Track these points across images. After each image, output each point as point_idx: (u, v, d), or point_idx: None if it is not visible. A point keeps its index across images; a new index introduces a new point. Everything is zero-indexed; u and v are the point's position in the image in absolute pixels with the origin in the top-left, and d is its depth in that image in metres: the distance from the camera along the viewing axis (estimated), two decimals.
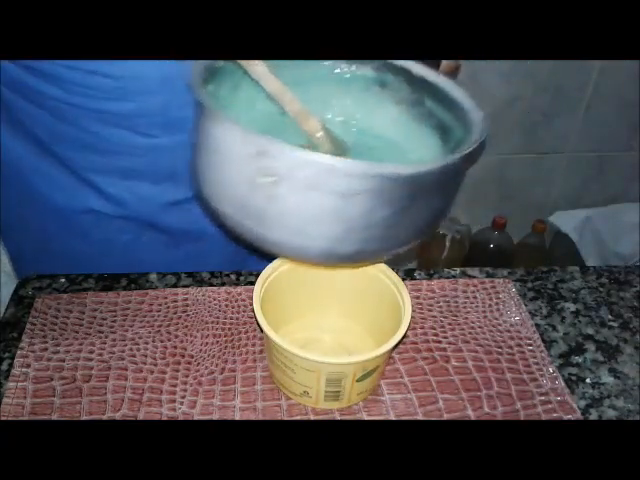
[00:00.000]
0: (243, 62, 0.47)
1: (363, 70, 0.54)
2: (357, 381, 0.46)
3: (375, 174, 0.40)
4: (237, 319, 0.55)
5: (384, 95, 0.55)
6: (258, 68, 0.47)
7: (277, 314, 0.49)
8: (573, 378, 0.52)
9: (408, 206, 0.43)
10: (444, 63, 0.58)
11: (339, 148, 0.52)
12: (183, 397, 0.48)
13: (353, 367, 0.44)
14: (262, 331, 0.45)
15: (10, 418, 0.46)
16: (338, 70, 0.54)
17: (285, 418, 0.48)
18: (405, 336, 0.46)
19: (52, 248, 0.65)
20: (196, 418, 0.47)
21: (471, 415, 0.48)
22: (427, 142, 0.54)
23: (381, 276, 0.50)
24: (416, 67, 0.52)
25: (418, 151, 0.54)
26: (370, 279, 0.51)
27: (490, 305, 0.58)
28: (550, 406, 0.49)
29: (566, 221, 1.38)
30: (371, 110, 0.56)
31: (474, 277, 0.61)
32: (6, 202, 0.65)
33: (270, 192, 0.40)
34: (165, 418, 0.47)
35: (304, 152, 0.39)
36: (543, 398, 0.50)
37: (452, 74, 0.58)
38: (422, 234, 0.47)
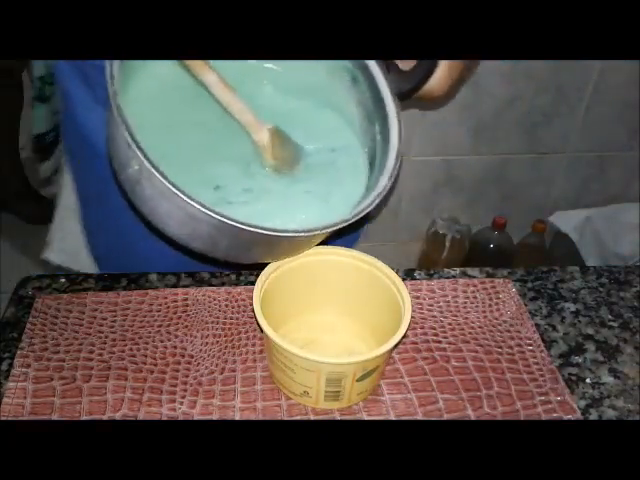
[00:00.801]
0: (195, 69, 0.47)
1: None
2: (357, 381, 0.46)
3: (217, 219, 0.42)
4: (237, 319, 0.55)
5: (352, 91, 0.55)
6: (210, 77, 0.48)
7: (277, 314, 0.49)
8: (573, 378, 0.52)
9: (252, 247, 0.48)
10: (429, 89, 0.54)
11: (289, 156, 0.52)
12: (183, 397, 0.48)
13: (353, 367, 0.44)
14: (262, 331, 0.45)
15: (10, 418, 0.46)
16: None
17: (285, 418, 0.48)
18: (405, 336, 0.46)
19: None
20: (196, 418, 0.47)
21: (471, 415, 0.48)
22: (356, 160, 0.54)
23: (381, 276, 0.50)
24: (384, 88, 0.52)
25: (346, 164, 0.54)
26: (370, 279, 0.51)
27: (490, 305, 0.58)
28: (550, 406, 0.49)
29: (566, 221, 1.38)
30: (333, 94, 0.56)
31: (474, 277, 0.61)
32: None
33: (136, 175, 0.43)
34: (165, 418, 0.47)
35: (153, 167, 0.41)
36: (543, 398, 0.50)
37: (435, 102, 0.58)
38: (273, 259, 0.51)
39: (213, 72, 0.48)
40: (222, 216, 0.42)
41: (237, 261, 0.52)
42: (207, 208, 0.42)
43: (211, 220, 0.43)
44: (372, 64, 0.52)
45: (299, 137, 0.55)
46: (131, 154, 0.42)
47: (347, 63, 0.54)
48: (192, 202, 0.42)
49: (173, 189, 0.42)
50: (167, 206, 0.44)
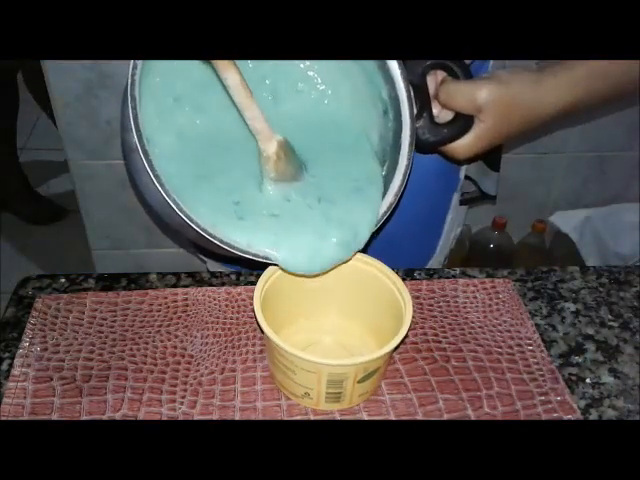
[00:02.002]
0: (218, 66, 0.45)
1: (380, 88, 0.53)
2: (358, 382, 0.46)
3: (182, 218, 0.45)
4: (237, 319, 0.55)
5: (381, 122, 0.54)
6: (232, 78, 0.45)
7: (278, 315, 0.49)
8: (573, 378, 0.52)
9: (216, 247, 0.48)
10: (454, 149, 0.54)
11: (291, 170, 0.51)
12: (183, 397, 0.48)
13: (354, 368, 0.44)
14: (263, 332, 0.45)
15: (10, 418, 0.46)
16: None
17: (285, 418, 0.47)
18: (405, 336, 0.46)
19: None
20: (196, 418, 0.47)
21: (471, 415, 0.48)
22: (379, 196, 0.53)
23: (381, 276, 0.50)
24: (406, 135, 0.51)
25: (372, 199, 0.52)
26: (370, 279, 0.51)
27: (490, 305, 0.58)
28: (550, 406, 0.49)
29: (566, 221, 1.38)
30: (365, 118, 0.55)
31: (474, 277, 0.61)
32: None
33: (132, 146, 0.44)
34: (165, 418, 0.47)
35: (143, 152, 0.43)
36: (543, 398, 0.50)
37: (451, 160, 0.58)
38: None
39: (237, 72, 0.45)
40: (188, 217, 0.45)
41: (207, 248, 0.52)
42: (176, 204, 0.44)
43: (178, 215, 0.45)
44: (405, 106, 0.51)
45: (326, 149, 0.54)
46: (130, 126, 0.43)
47: (384, 94, 0.53)
48: (165, 195, 0.44)
49: (152, 176, 0.43)
50: (150, 185, 0.45)
